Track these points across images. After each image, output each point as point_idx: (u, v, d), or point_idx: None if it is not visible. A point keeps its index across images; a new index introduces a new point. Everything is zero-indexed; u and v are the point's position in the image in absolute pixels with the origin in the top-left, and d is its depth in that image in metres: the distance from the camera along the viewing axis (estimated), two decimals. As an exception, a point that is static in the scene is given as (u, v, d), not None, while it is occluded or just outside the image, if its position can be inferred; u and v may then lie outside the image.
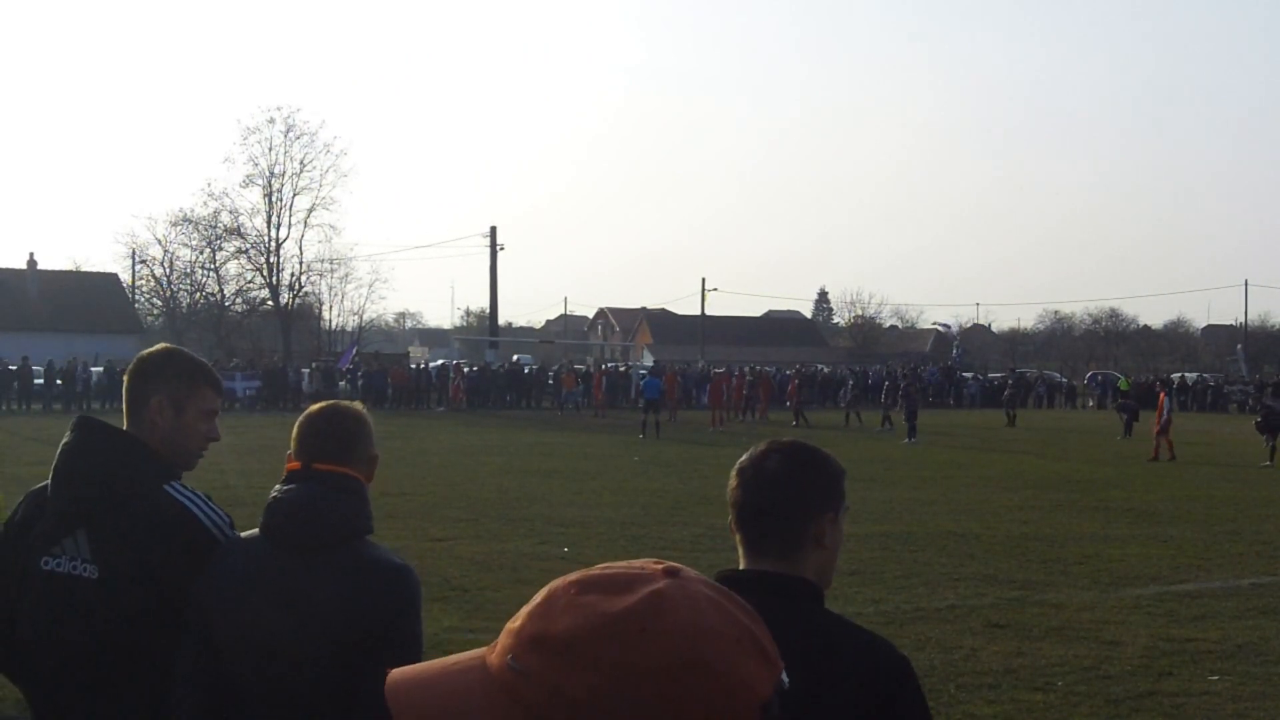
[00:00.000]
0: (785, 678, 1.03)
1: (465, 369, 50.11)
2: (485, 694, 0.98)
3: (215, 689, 2.68)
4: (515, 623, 1.01)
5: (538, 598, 1.02)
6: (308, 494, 2.68)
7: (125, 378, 2.92)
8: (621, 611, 0.96)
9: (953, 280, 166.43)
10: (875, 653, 2.10)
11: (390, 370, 47.54)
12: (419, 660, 2.72)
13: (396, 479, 19.07)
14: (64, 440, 2.83)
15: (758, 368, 49.04)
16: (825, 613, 2.12)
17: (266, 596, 2.63)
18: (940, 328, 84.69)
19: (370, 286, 71.51)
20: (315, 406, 2.90)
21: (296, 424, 2.81)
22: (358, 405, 2.93)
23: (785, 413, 40.17)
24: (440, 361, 58.68)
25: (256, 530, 2.74)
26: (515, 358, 62.19)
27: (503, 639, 1.01)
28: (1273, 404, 25.34)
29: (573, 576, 1.02)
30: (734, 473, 2.26)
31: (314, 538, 2.65)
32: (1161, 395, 25.88)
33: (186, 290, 63.58)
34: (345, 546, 2.67)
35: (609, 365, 60.65)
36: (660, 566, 1.02)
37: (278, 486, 2.74)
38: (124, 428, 2.85)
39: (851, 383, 42.30)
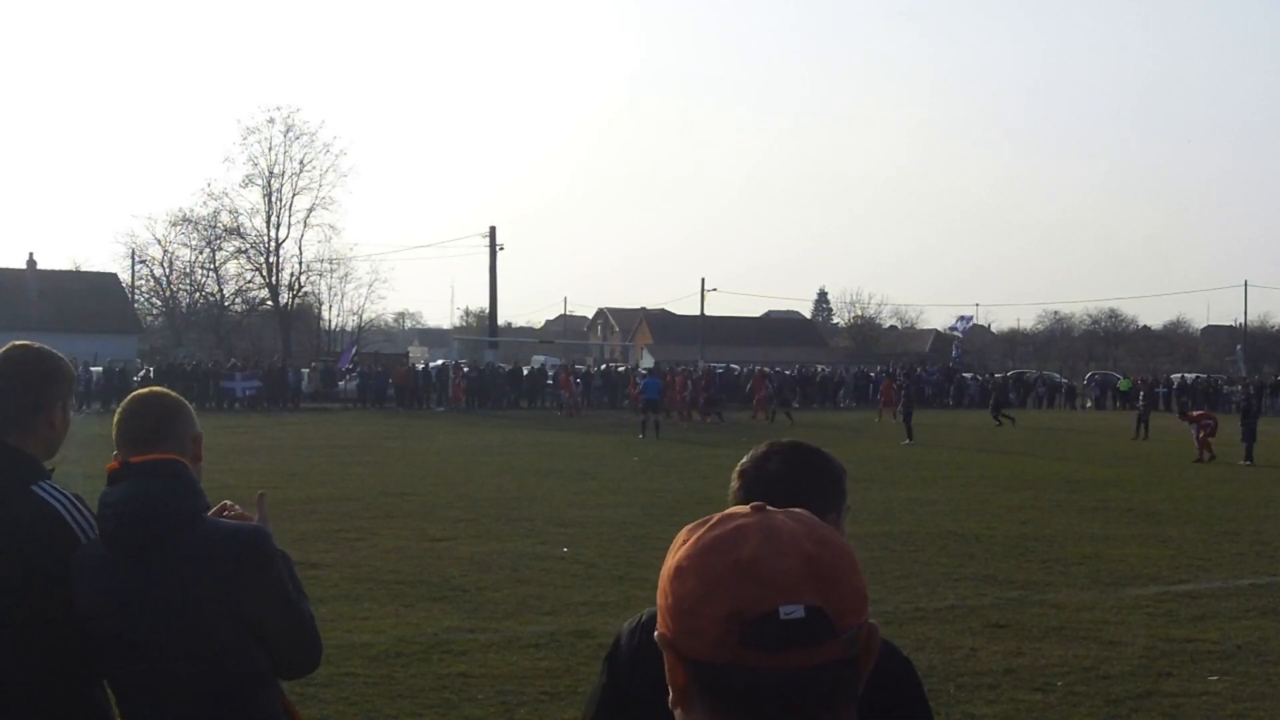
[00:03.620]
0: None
1: (465, 368, 50.11)
2: None
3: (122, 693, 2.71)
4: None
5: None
6: (131, 492, 2.63)
7: (7, 380, 2.78)
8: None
9: (953, 280, 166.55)
10: (878, 655, 2.09)
11: (395, 371, 47.54)
12: (300, 620, 2.70)
13: (396, 479, 19.10)
14: None
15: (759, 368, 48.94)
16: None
17: (128, 604, 2.60)
18: (953, 331, 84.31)
19: (370, 286, 71.46)
20: (126, 398, 2.83)
21: (113, 422, 2.77)
22: (169, 391, 2.89)
23: (811, 412, 40.21)
24: (440, 361, 58.66)
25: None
26: (542, 359, 61.84)
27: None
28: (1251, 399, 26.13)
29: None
30: (735, 474, 2.25)
31: (149, 534, 2.61)
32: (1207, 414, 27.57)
33: (186, 290, 63.65)
34: (183, 532, 2.63)
35: (604, 366, 60.64)
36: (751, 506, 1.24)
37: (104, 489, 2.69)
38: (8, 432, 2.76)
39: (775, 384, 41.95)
